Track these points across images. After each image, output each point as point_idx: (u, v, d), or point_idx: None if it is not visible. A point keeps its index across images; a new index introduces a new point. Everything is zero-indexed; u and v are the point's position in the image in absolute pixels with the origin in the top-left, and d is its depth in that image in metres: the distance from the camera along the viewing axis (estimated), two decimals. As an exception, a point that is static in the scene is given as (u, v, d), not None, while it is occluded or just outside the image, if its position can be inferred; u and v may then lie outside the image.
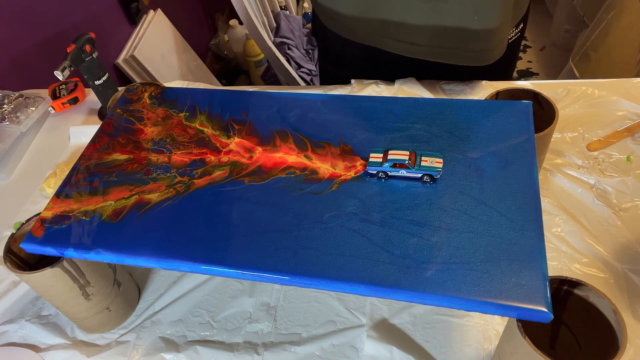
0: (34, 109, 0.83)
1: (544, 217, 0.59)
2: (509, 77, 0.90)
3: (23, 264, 0.51)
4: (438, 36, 0.71)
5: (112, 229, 0.45)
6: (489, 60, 0.74)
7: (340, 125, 0.51)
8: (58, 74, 0.70)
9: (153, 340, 0.55)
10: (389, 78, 0.82)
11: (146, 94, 0.59)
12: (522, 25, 0.81)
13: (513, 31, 0.79)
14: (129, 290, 0.57)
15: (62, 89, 0.87)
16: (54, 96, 0.86)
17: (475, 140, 0.47)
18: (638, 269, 0.54)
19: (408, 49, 0.75)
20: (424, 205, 0.43)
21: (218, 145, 0.52)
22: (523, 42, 2.21)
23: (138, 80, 1.45)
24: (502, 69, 0.85)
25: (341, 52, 0.86)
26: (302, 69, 1.54)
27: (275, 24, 1.62)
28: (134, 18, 1.51)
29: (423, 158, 0.45)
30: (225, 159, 0.50)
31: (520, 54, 2.16)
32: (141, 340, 0.55)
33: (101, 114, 0.85)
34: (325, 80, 0.97)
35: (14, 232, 0.51)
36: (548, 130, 0.55)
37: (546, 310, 0.35)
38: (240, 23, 1.82)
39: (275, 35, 1.58)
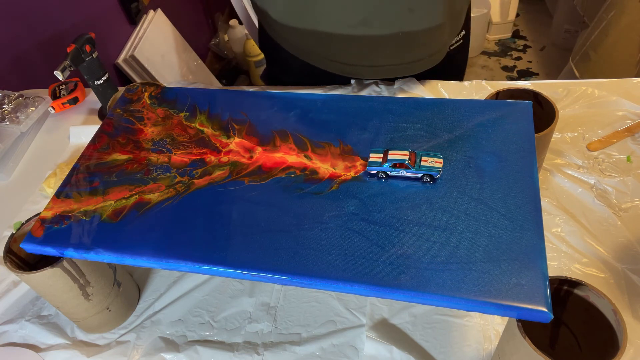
0: (34, 109, 0.83)
1: (544, 217, 0.59)
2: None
3: (23, 264, 0.51)
4: (368, 55, 0.73)
5: (112, 229, 0.45)
6: (423, 68, 0.77)
7: (340, 125, 0.51)
8: (58, 74, 0.70)
9: (153, 340, 0.55)
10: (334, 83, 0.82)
11: (146, 94, 0.59)
12: (463, 33, 0.82)
13: (455, 39, 0.81)
14: (129, 290, 0.57)
15: (62, 89, 0.87)
16: (54, 96, 0.86)
17: (475, 140, 0.47)
18: (638, 269, 0.54)
19: (343, 69, 0.76)
20: (424, 205, 0.43)
21: (218, 145, 0.52)
22: (523, 42, 2.21)
23: (138, 80, 1.45)
24: (450, 76, 0.85)
25: (287, 62, 0.83)
26: (302, 69, 1.54)
27: (275, 24, 1.62)
28: (134, 18, 1.51)
29: (423, 158, 0.45)
30: (225, 159, 0.50)
31: (520, 54, 2.16)
32: (141, 340, 0.55)
33: (101, 114, 0.85)
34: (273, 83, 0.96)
35: (14, 232, 0.51)
36: (548, 130, 0.55)
37: (546, 310, 0.35)
38: (240, 23, 1.82)
39: (275, 35, 1.58)
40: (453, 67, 0.87)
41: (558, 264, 0.56)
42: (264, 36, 0.85)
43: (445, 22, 0.72)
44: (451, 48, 0.81)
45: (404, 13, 0.68)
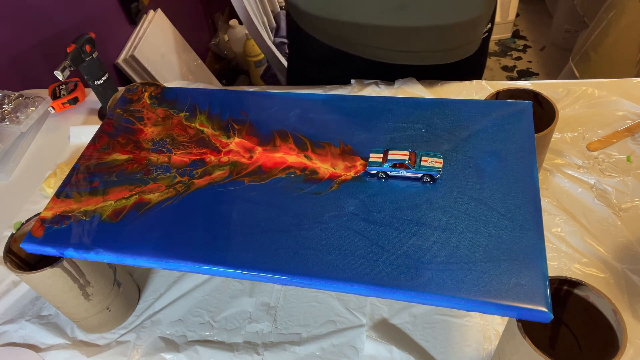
0: (34, 109, 0.83)
1: (544, 217, 0.59)
2: (479, 76, 0.90)
3: (23, 264, 0.51)
4: (403, 40, 0.72)
5: (112, 229, 0.45)
6: (459, 57, 0.75)
7: (340, 125, 0.51)
8: (58, 74, 0.70)
9: (153, 340, 0.55)
10: (366, 78, 0.82)
11: (146, 94, 0.59)
12: (489, 25, 0.82)
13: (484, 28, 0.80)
14: (129, 290, 0.57)
15: (62, 89, 0.87)
16: (54, 96, 0.86)
17: (475, 140, 0.47)
18: (638, 269, 0.54)
19: (375, 53, 0.75)
20: (424, 205, 0.43)
21: (218, 145, 0.52)
22: (523, 42, 2.21)
23: (138, 80, 1.45)
24: (472, 68, 0.84)
25: (315, 53, 0.85)
26: (302, 69, 1.54)
27: (275, 24, 1.62)
28: (134, 18, 1.51)
29: (423, 158, 0.45)
30: (225, 159, 0.50)
31: (520, 54, 2.16)
32: (141, 340, 0.55)
33: (101, 114, 0.85)
34: (295, 80, 0.96)
35: (14, 232, 0.51)
36: (548, 130, 0.55)
37: (546, 310, 0.35)
38: (240, 23, 1.83)
39: (275, 36, 1.58)
40: (479, 59, 0.86)
41: (558, 264, 0.56)
42: (292, 27, 0.85)
43: (484, 13, 0.71)
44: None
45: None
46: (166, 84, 0.72)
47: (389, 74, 0.81)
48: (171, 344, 0.55)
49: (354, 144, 0.49)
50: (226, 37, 2.10)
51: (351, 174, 0.47)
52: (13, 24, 1.05)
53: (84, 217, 0.46)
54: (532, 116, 0.48)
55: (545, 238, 0.54)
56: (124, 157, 0.52)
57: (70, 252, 0.44)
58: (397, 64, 0.77)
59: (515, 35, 2.26)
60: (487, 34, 0.82)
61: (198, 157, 0.51)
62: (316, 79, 0.84)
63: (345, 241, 0.41)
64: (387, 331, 0.53)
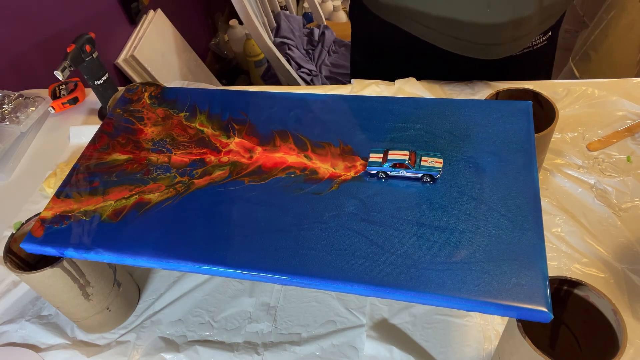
0: (34, 109, 0.83)
1: (544, 217, 0.59)
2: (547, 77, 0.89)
3: (23, 264, 0.51)
4: (449, 25, 0.72)
5: (112, 229, 0.45)
6: (496, 55, 0.74)
7: (340, 125, 0.51)
8: (58, 74, 0.70)
9: (153, 340, 0.55)
10: (418, 72, 0.82)
11: (146, 94, 0.59)
12: (549, 34, 0.80)
13: (540, 38, 0.79)
14: (129, 290, 0.57)
15: (62, 89, 0.87)
16: (54, 96, 0.86)
17: (475, 140, 0.47)
18: (638, 269, 0.54)
19: (423, 32, 0.75)
20: (424, 205, 0.43)
21: (218, 145, 0.52)
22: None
23: (138, 80, 1.45)
24: (527, 75, 0.84)
25: (373, 36, 0.86)
26: (302, 69, 1.54)
27: (275, 24, 1.62)
28: (134, 18, 1.51)
29: (423, 158, 0.45)
30: (225, 159, 0.50)
31: (520, 54, 2.15)
32: (141, 340, 0.55)
33: (101, 114, 0.85)
34: (355, 73, 0.96)
35: (14, 232, 0.51)
36: (548, 130, 0.55)
37: (546, 310, 0.35)
38: (240, 23, 1.83)
39: (276, 35, 1.58)
40: (538, 67, 0.86)
41: (558, 264, 0.56)
42: (361, 12, 0.85)
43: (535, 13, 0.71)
44: (535, 47, 0.79)
45: None
46: (166, 84, 0.72)
47: (442, 66, 0.80)
48: (171, 344, 0.55)
49: (354, 144, 0.49)
50: (226, 37, 2.10)
51: (351, 174, 0.47)
52: (13, 24, 1.05)
53: (84, 217, 0.46)
54: (532, 116, 0.48)
55: (545, 238, 0.54)
56: (124, 157, 0.52)
57: (70, 252, 0.44)
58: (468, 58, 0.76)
59: (515, 35, 2.25)
60: (545, 42, 0.80)
61: (198, 157, 0.51)
62: (373, 69, 0.85)
63: (345, 241, 0.41)
64: (387, 331, 0.53)
